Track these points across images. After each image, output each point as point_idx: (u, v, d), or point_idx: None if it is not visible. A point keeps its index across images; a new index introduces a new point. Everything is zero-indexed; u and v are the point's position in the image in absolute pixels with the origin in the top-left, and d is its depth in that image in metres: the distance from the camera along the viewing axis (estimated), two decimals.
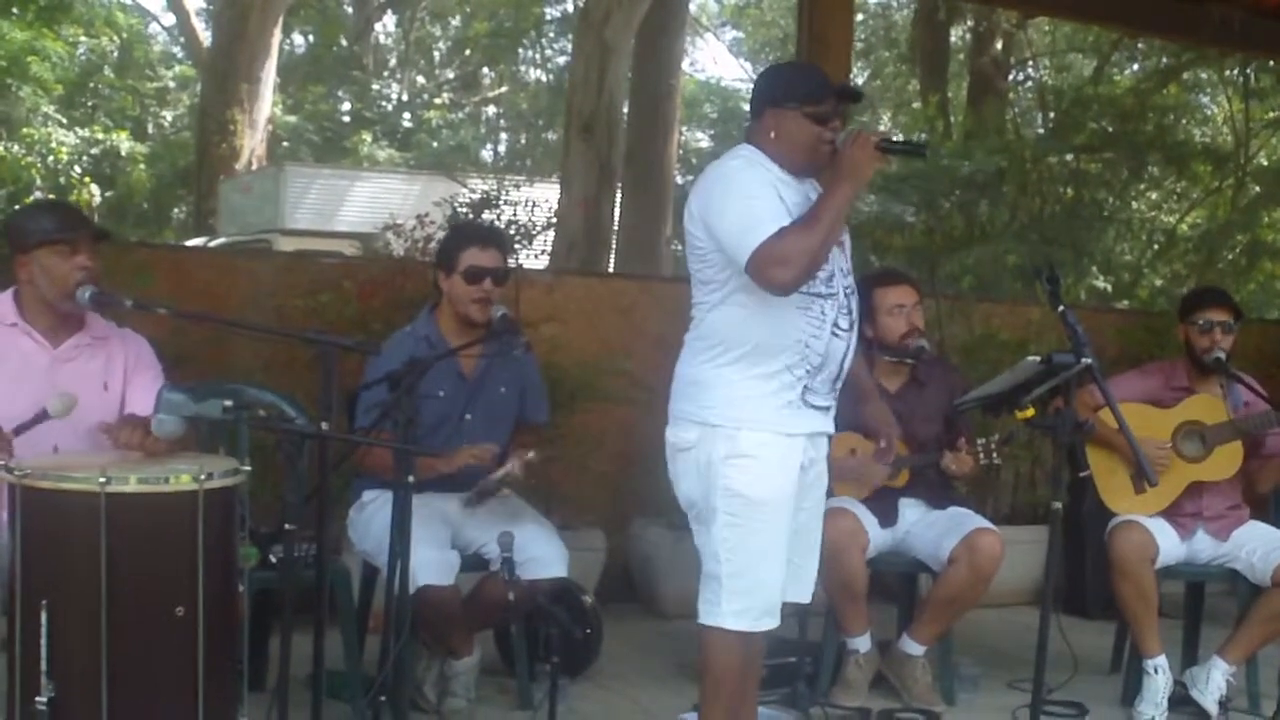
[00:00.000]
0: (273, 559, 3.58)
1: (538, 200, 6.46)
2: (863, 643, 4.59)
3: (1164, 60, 14.71)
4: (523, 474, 4.00)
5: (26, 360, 3.47)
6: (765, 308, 3.27)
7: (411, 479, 3.31)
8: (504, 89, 28.71)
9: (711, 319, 3.37)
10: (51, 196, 15.76)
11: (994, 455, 4.52)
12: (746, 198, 3.26)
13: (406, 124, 27.23)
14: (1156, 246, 14.35)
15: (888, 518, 4.60)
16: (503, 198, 6.16)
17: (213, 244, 14.34)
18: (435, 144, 26.05)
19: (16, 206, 14.25)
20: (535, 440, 4.30)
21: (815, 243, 3.17)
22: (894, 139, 3.31)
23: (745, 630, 3.35)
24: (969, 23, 16.01)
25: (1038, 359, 3.58)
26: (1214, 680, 4.50)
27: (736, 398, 3.32)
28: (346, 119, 26.12)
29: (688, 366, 3.42)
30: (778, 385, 3.31)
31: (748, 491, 3.31)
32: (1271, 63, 12.71)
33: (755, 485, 3.31)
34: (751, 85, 3.63)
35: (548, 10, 25.89)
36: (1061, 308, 3.57)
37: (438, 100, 28.25)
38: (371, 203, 15.51)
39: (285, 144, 23.20)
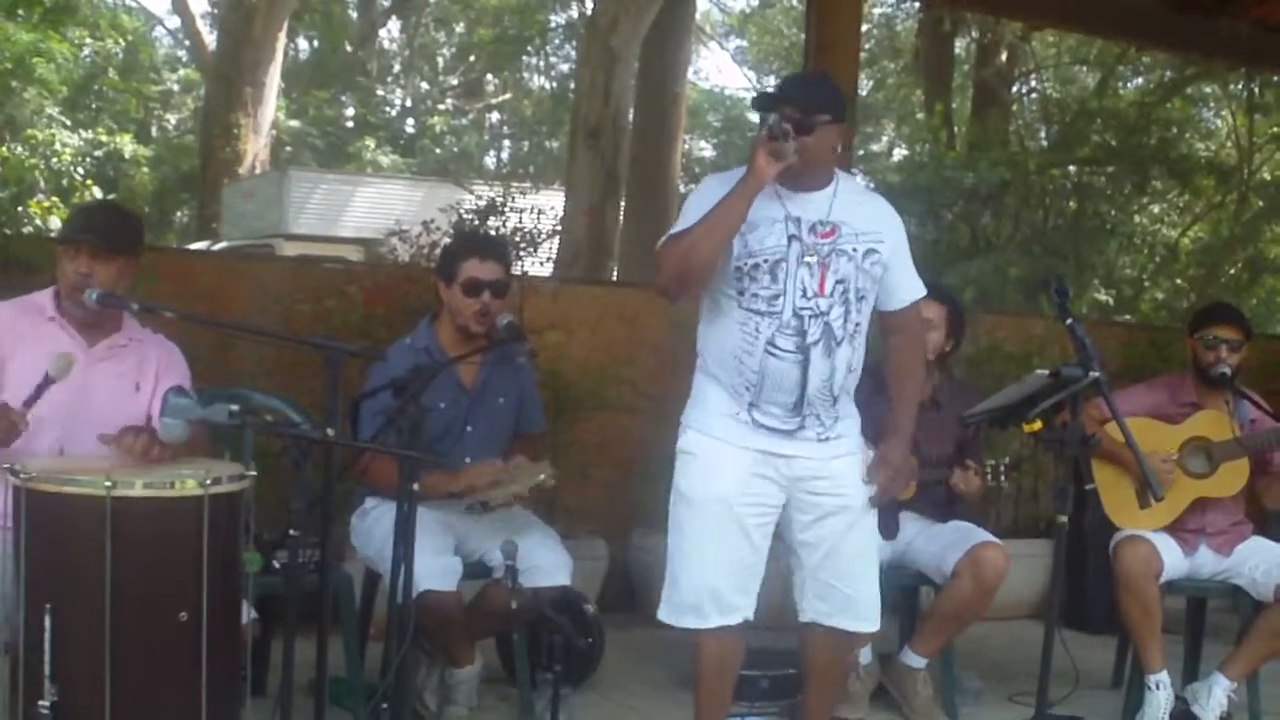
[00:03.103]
0: (276, 565, 3.58)
1: (543, 207, 6.44)
2: (864, 655, 4.57)
3: (1168, 74, 14.74)
4: (530, 495, 3.99)
5: None
6: (712, 318, 3.45)
7: (416, 486, 3.30)
8: (507, 96, 28.75)
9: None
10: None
11: (1002, 478, 4.51)
12: (683, 211, 3.42)
13: (410, 130, 27.28)
14: (1158, 260, 14.37)
15: (889, 530, 4.58)
16: (508, 205, 6.14)
17: (215, 248, 14.35)
18: (438, 150, 26.10)
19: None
20: (534, 451, 4.29)
21: (680, 249, 3.28)
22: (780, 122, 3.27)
23: (669, 623, 3.51)
24: (974, 34, 16.03)
25: (1046, 372, 3.57)
26: (1215, 696, 4.50)
27: (697, 400, 3.52)
28: (350, 124, 26.18)
29: None
30: (727, 396, 3.44)
31: (681, 486, 3.49)
32: (1276, 78, 12.73)
33: (687, 482, 3.48)
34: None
35: (552, 17, 25.93)
36: (1070, 320, 3.56)
37: (441, 106, 28.29)
38: (374, 208, 15.55)
39: (289, 149, 23.22)
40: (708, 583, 3.44)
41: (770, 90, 3.47)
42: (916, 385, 3.80)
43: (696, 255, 3.25)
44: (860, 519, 3.54)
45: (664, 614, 3.53)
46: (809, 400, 3.39)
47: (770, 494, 3.45)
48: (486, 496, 3.89)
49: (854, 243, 3.42)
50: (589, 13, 15.00)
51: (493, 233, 5.88)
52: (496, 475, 3.98)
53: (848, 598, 3.53)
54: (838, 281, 3.39)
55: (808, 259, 3.36)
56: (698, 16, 20.30)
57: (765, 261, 3.34)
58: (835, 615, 3.55)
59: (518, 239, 5.99)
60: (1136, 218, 14.01)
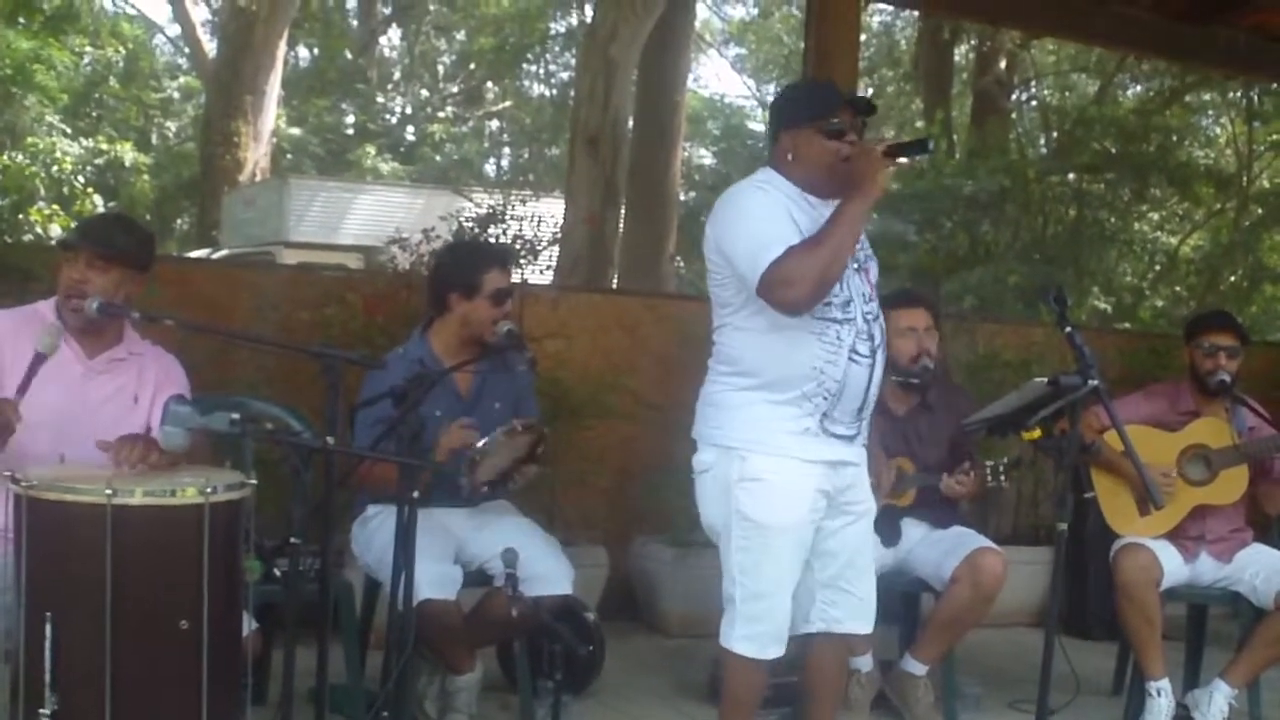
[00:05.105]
0: (277, 573, 3.58)
1: (543, 215, 6.46)
2: (865, 662, 4.58)
3: (1167, 81, 14.76)
4: (507, 441, 3.87)
5: (62, 366, 3.45)
6: (779, 331, 3.27)
7: (416, 494, 3.30)
8: (507, 104, 28.75)
9: (729, 342, 3.39)
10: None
11: (1001, 478, 4.51)
12: (756, 220, 3.27)
13: (410, 137, 27.28)
14: (1158, 268, 14.37)
15: (890, 537, 4.59)
16: (508, 213, 6.16)
17: (216, 256, 14.35)
18: (438, 158, 26.10)
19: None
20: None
21: (820, 262, 3.16)
22: (900, 140, 3.32)
23: (753, 656, 3.38)
24: (973, 42, 16.07)
25: (1044, 380, 3.57)
26: (1216, 703, 4.50)
27: (750, 420, 3.33)
28: (350, 132, 26.18)
29: (707, 389, 3.44)
30: (795, 411, 3.30)
31: (756, 516, 3.33)
32: (1275, 85, 12.75)
33: (764, 510, 3.32)
34: (761, 105, 3.67)
35: (552, 25, 25.96)
36: (1068, 328, 3.56)
37: (441, 114, 28.30)
38: (374, 216, 15.51)
39: (289, 156, 23.23)
40: (788, 612, 3.39)
41: (869, 101, 3.48)
42: None
43: (839, 265, 3.20)
44: (870, 522, 3.56)
45: (744, 648, 3.37)
46: (868, 404, 3.38)
47: (822, 509, 3.39)
48: (476, 461, 3.83)
49: (869, 248, 3.49)
50: (589, 21, 15.01)
51: (492, 240, 5.90)
52: (469, 437, 3.90)
53: (860, 601, 3.51)
54: (875, 284, 3.45)
55: (854, 265, 3.36)
56: (697, 24, 20.35)
57: None
58: (848, 620, 3.51)
59: (518, 247, 6.01)
60: (1136, 225, 14.01)
